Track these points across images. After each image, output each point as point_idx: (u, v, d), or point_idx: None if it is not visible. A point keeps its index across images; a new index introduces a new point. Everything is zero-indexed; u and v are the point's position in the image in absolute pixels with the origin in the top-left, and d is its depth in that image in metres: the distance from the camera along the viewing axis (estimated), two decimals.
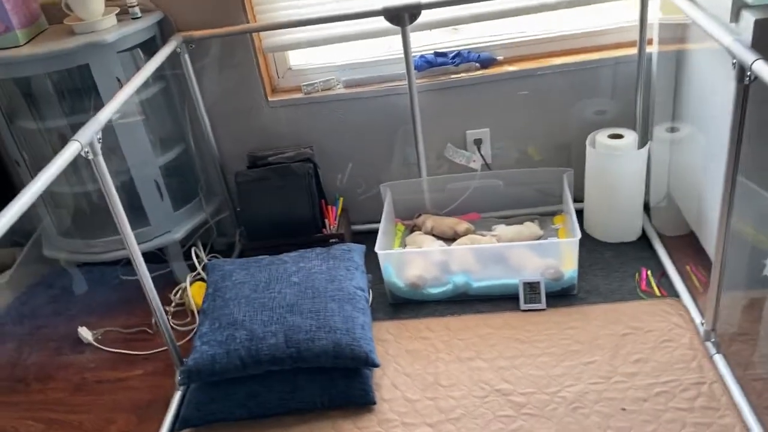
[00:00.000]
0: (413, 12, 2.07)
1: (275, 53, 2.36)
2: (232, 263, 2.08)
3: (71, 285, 2.55)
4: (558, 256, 2.04)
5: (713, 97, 1.87)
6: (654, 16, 2.09)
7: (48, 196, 2.33)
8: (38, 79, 2.13)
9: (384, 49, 2.36)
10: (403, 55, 2.16)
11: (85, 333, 2.23)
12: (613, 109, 2.29)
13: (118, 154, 2.16)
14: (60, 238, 2.35)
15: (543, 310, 2.01)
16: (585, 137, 2.25)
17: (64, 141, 2.11)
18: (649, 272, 2.09)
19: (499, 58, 2.29)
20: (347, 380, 1.77)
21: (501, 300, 2.07)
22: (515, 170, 2.35)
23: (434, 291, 2.11)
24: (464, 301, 2.09)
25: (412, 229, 2.39)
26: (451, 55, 2.27)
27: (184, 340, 2.15)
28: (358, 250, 2.12)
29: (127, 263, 2.49)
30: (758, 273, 1.72)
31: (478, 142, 2.36)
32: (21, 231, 2.54)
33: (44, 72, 2.07)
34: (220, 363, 1.74)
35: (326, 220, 2.35)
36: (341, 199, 2.45)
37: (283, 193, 2.28)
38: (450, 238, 2.30)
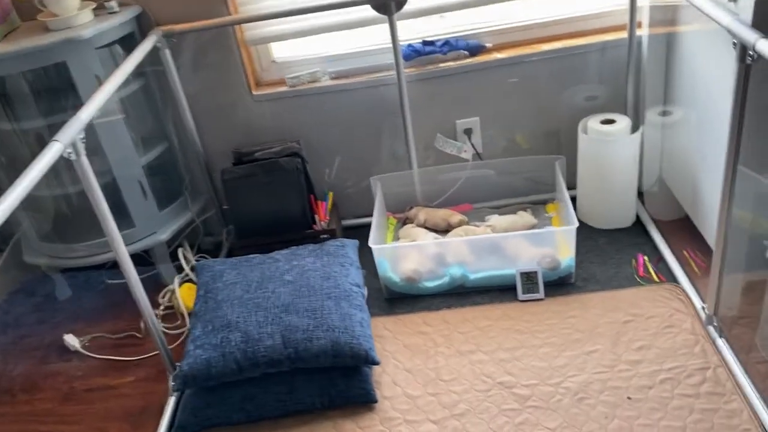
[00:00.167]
0: (400, 0, 2.03)
1: (258, 46, 2.30)
2: (222, 263, 2.02)
3: (54, 291, 2.47)
4: (554, 244, 2.01)
5: (707, 79, 1.85)
6: None
7: (27, 199, 2.24)
8: (13, 79, 2.04)
9: (371, 38, 2.31)
10: (390, 45, 2.11)
11: (72, 340, 2.16)
12: (603, 95, 2.26)
13: (99, 155, 2.09)
14: (41, 243, 2.27)
15: (541, 299, 1.98)
16: (576, 124, 2.23)
17: (41, 142, 2.04)
18: (645, 258, 2.07)
19: (488, 45, 2.25)
20: (347, 379, 1.73)
21: (498, 291, 2.04)
22: (507, 159, 2.32)
23: (430, 284, 2.07)
24: (461, 294, 2.06)
25: (404, 222, 2.35)
26: (440, 43, 2.23)
27: (176, 344, 2.09)
28: (351, 245, 2.07)
29: (112, 267, 2.44)
30: (758, 255, 1.71)
31: (468, 132, 2.32)
32: None
33: (19, 71, 1.99)
34: (216, 367, 1.69)
35: (316, 216, 2.30)
36: (331, 193, 2.40)
37: (271, 190, 2.23)
38: (443, 230, 2.27)
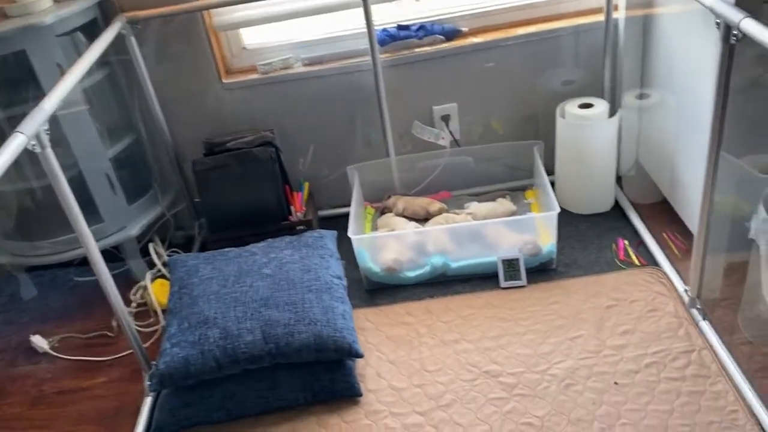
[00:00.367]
0: None
1: (228, 32, 2.22)
2: (196, 258, 1.96)
3: (19, 291, 2.37)
4: (535, 231, 1.99)
5: (685, 61, 1.84)
6: None
7: None
8: None
9: (344, 23, 2.25)
10: (364, 30, 2.06)
11: (39, 341, 2.07)
12: (580, 78, 2.25)
13: (64, 147, 2.00)
14: (3, 241, 2.17)
15: (523, 286, 1.96)
16: (553, 108, 2.21)
17: (1, 135, 1.94)
18: (626, 242, 2.07)
19: (464, 29, 2.21)
20: (330, 373, 1.68)
21: (480, 279, 2.02)
22: (485, 146, 2.29)
23: (411, 274, 2.03)
24: (443, 283, 2.03)
25: (383, 211, 2.31)
26: (415, 27, 2.18)
27: (150, 342, 2.02)
28: (330, 236, 2.02)
29: (79, 264, 2.34)
30: (739, 237, 1.71)
31: (445, 118, 2.28)
32: None
33: None
34: (194, 365, 1.63)
35: (292, 207, 2.24)
36: (306, 183, 2.35)
37: (245, 181, 2.16)
38: (423, 219, 2.23)
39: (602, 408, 1.56)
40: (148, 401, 1.78)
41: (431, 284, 2.03)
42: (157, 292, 2.15)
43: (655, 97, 2.08)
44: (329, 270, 1.86)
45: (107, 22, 2.03)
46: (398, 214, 2.26)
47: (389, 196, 2.31)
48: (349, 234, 1.97)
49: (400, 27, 2.19)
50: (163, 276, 2.25)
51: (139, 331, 2.03)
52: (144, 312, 2.15)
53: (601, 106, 2.11)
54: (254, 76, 2.22)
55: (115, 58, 2.12)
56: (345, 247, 2.08)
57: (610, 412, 1.55)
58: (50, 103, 1.48)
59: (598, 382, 1.62)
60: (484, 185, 2.34)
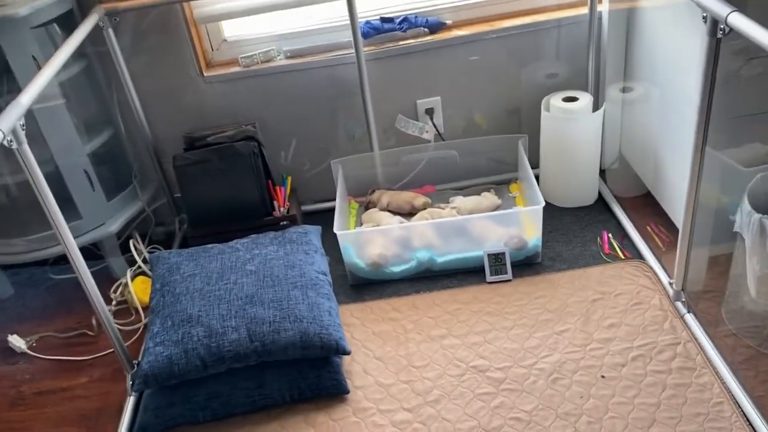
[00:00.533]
0: None
1: (208, 24, 2.18)
2: (178, 254, 1.92)
3: None
4: (520, 224, 1.99)
5: (669, 55, 1.84)
6: None
7: None
8: None
9: (326, 15, 2.22)
10: (347, 22, 2.03)
11: (17, 341, 2.02)
12: (564, 72, 2.24)
13: (40, 143, 1.94)
14: None
15: (509, 280, 1.96)
16: (537, 102, 2.21)
17: None
18: (610, 235, 2.07)
19: (448, 22, 2.20)
20: (317, 371, 1.66)
21: (466, 274, 2.01)
22: (469, 139, 2.28)
23: (397, 269, 2.02)
24: (428, 278, 2.02)
25: (367, 206, 2.29)
26: (398, 20, 2.16)
27: (131, 340, 1.98)
28: (314, 231, 2.00)
29: (56, 262, 2.30)
30: (722, 230, 1.72)
31: (430, 112, 2.27)
32: None
33: None
34: (179, 364, 1.60)
35: (275, 202, 2.21)
36: (289, 178, 2.32)
37: (226, 176, 2.12)
38: (407, 213, 2.22)
39: (590, 402, 1.56)
40: (131, 401, 1.74)
41: (417, 279, 2.02)
42: (138, 289, 2.11)
43: (638, 91, 2.09)
44: (314, 266, 1.84)
45: (84, 13, 1.98)
46: (383, 209, 2.24)
47: (373, 191, 2.30)
48: (335, 230, 1.95)
49: (384, 19, 2.17)
50: (143, 273, 2.21)
51: (120, 330, 2.00)
52: (124, 310, 2.11)
53: (585, 99, 2.11)
54: (235, 69, 2.18)
55: (92, 49, 2.07)
56: (329, 242, 2.06)
57: (598, 406, 1.55)
58: (27, 97, 1.43)
59: (585, 376, 1.63)
60: (468, 179, 2.33)
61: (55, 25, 1.95)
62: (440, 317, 1.87)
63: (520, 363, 1.69)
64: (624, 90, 2.18)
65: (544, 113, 2.14)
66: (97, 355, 1.95)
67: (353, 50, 2.08)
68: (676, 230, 1.95)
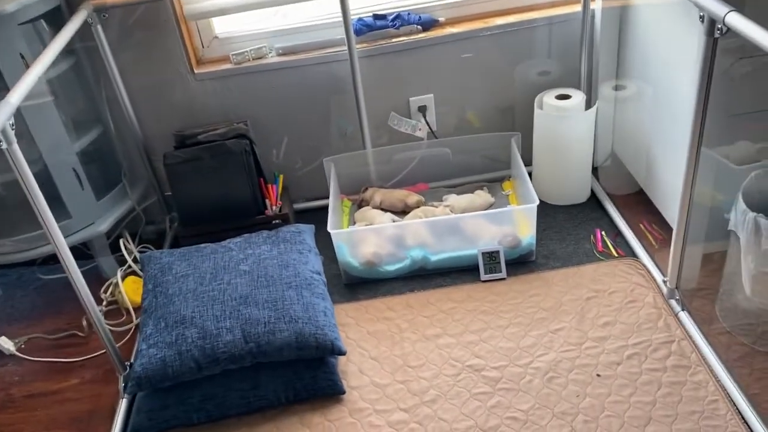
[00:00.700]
0: None
1: (198, 21, 2.15)
2: (170, 254, 1.90)
3: None
4: (514, 223, 1.99)
5: (662, 53, 1.85)
6: None
7: None
8: None
9: (318, 11, 2.20)
10: (340, 19, 2.01)
11: (5, 343, 1.99)
12: (557, 69, 2.24)
13: (27, 141, 1.91)
14: None
15: (503, 279, 1.96)
16: (530, 99, 2.20)
17: None
18: (603, 233, 2.08)
19: (441, 19, 2.18)
20: (312, 371, 1.65)
21: (460, 272, 2.00)
22: (462, 137, 2.27)
23: (391, 268, 2.01)
24: (422, 276, 2.01)
25: (360, 204, 2.28)
26: (391, 17, 2.15)
27: (123, 341, 1.96)
28: (308, 230, 1.98)
29: (44, 263, 2.26)
30: (716, 228, 1.73)
31: (422, 109, 2.26)
32: None
33: None
34: (173, 366, 1.58)
35: (267, 201, 2.19)
36: (281, 176, 2.30)
37: (218, 174, 2.10)
38: (401, 211, 2.21)
39: (586, 400, 1.57)
40: (123, 403, 1.72)
41: (411, 278, 2.02)
42: (129, 289, 2.08)
43: (631, 89, 2.09)
44: (308, 265, 1.83)
45: (72, 9, 1.95)
46: (375, 207, 2.23)
47: (366, 189, 2.28)
48: (329, 229, 1.94)
49: (376, 16, 2.15)
50: (134, 273, 2.18)
51: (111, 331, 1.97)
52: (115, 310, 2.09)
53: (578, 97, 2.11)
54: (226, 66, 2.16)
55: (80, 44, 2.04)
56: (322, 241, 2.05)
57: (594, 405, 1.55)
58: (16, 96, 1.41)
59: (581, 375, 1.63)
60: (461, 177, 2.33)
61: (42, 21, 1.91)
62: (435, 316, 1.86)
63: (515, 362, 1.69)
64: (616, 88, 2.18)
65: (537, 111, 2.13)
66: (88, 356, 1.93)
67: (346, 47, 2.06)
68: (669, 227, 1.96)
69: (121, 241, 2.22)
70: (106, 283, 2.15)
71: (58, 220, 1.54)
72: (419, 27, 2.15)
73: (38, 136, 1.91)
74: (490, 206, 2.19)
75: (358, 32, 2.12)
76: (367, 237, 1.99)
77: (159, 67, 2.13)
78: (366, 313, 1.91)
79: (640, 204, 2.13)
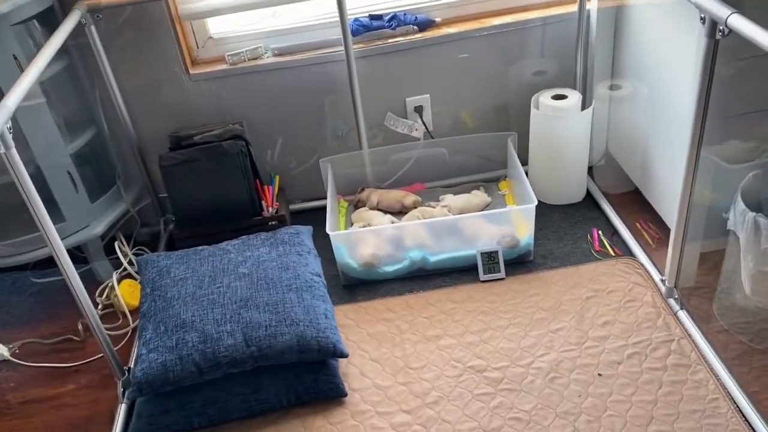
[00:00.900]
0: None
1: (193, 21, 2.13)
2: (167, 257, 1.88)
3: None
4: (512, 223, 1.99)
5: (658, 52, 1.86)
6: None
7: None
8: None
9: (314, 11, 2.18)
10: (336, 19, 2.01)
11: None
12: (552, 69, 2.25)
13: (21, 143, 1.88)
14: None
15: (502, 279, 1.96)
16: (525, 99, 2.21)
17: None
18: (600, 232, 2.09)
19: (437, 19, 2.18)
20: (314, 374, 1.65)
21: (459, 272, 2.01)
22: (459, 137, 2.27)
23: (390, 269, 2.01)
24: (421, 277, 2.01)
25: (356, 204, 2.27)
26: (387, 17, 2.14)
27: (119, 346, 1.94)
28: (306, 232, 1.98)
29: (36, 267, 2.24)
30: (713, 227, 1.74)
31: (419, 110, 2.25)
32: None
33: None
34: (173, 371, 1.57)
35: (263, 202, 2.18)
36: (277, 177, 2.28)
37: (214, 176, 2.08)
38: (398, 212, 2.20)
39: (588, 400, 1.57)
40: (122, 409, 1.70)
41: (410, 279, 2.01)
42: (125, 292, 2.06)
43: (626, 89, 2.10)
44: (308, 267, 1.82)
45: (65, 10, 1.92)
46: (372, 208, 2.22)
47: (362, 189, 2.28)
48: (328, 230, 1.93)
49: (373, 17, 2.15)
50: (129, 275, 2.16)
51: (108, 335, 1.95)
52: (110, 314, 2.06)
53: (574, 97, 2.12)
54: (222, 67, 2.14)
55: (74, 45, 2.01)
56: (319, 242, 2.04)
57: (596, 404, 1.56)
58: (13, 99, 1.38)
59: (582, 374, 1.64)
60: (457, 177, 2.33)
61: (35, 21, 1.88)
62: (435, 317, 1.86)
63: (517, 362, 1.69)
64: (612, 87, 2.19)
65: (533, 111, 2.14)
66: (85, 361, 1.91)
67: (342, 48, 2.05)
68: (665, 226, 1.98)
69: (116, 244, 2.20)
70: (101, 287, 2.13)
71: (52, 223, 1.52)
72: (415, 27, 2.15)
73: (32, 138, 1.88)
74: (487, 206, 2.19)
75: (354, 32, 2.11)
76: (365, 238, 1.99)
77: (153, 67, 2.11)
78: (365, 315, 1.90)
79: (635, 203, 2.15)
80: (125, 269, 2.17)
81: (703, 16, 1.38)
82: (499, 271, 1.96)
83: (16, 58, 1.79)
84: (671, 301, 1.78)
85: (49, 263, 2.17)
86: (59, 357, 1.93)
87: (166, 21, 2.04)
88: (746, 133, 1.72)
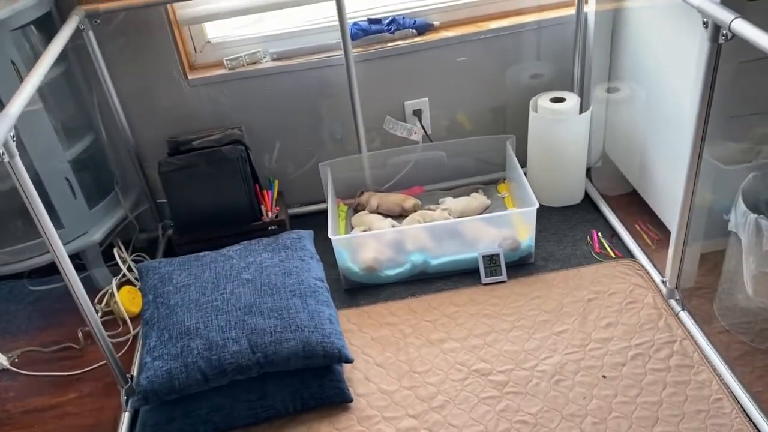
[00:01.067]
0: None
1: (191, 26, 2.12)
2: (169, 263, 1.87)
3: None
4: (513, 225, 2.00)
5: (656, 55, 1.87)
6: None
7: None
8: None
9: (312, 16, 2.18)
10: (335, 23, 2.01)
11: None
12: (550, 72, 2.26)
13: (19, 150, 1.84)
14: None
15: (504, 281, 1.97)
16: (522, 102, 2.22)
17: None
18: (599, 234, 2.10)
19: (435, 23, 2.19)
20: (319, 380, 1.64)
21: (460, 275, 2.01)
22: (457, 140, 2.28)
23: (391, 273, 2.01)
24: (423, 280, 2.01)
25: (356, 208, 2.27)
26: (386, 21, 2.14)
27: (120, 353, 1.92)
28: (308, 237, 1.97)
29: (31, 275, 2.21)
30: (714, 228, 1.76)
31: (418, 113, 2.26)
32: None
33: None
34: (179, 379, 1.56)
35: (263, 207, 2.17)
36: (276, 182, 2.28)
37: (214, 181, 2.07)
38: (397, 215, 2.20)
39: (593, 402, 1.58)
40: (126, 417, 1.69)
41: (411, 282, 2.02)
42: (125, 299, 2.05)
43: (624, 91, 2.12)
44: (311, 272, 1.82)
45: (62, 15, 1.91)
46: (372, 211, 2.22)
47: (362, 193, 2.28)
48: (330, 235, 1.93)
49: (372, 21, 2.15)
50: (128, 282, 2.15)
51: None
52: (110, 321, 2.04)
53: (572, 100, 2.13)
54: (220, 71, 2.13)
55: (71, 49, 1.99)
56: (319, 246, 2.03)
57: (602, 406, 1.57)
58: (15, 107, 1.37)
59: (586, 377, 1.65)
60: (456, 179, 2.34)
61: (32, 27, 1.87)
62: (438, 320, 1.87)
63: (521, 365, 1.70)
64: (609, 90, 2.21)
65: (532, 114, 2.15)
66: (86, 369, 1.89)
67: (341, 52, 2.05)
68: (664, 227, 2.00)
69: (114, 251, 2.18)
70: (100, 294, 2.11)
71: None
72: (414, 31, 2.15)
73: (30, 144, 1.87)
74: (487, 209, 2.20)
75: (353, 36, 2.11)
76: (366, 242, 1.99)
77: (151, 72, 2.10)
78: (368, 319, 1.90)
79: (633, 204, 2.16)
80: (124, 275, 2.16)
81: (705, 20, 1.39)
82: (501, 274, 1.97)
83: (14, 63, 1.77)
84: (672, 302, 1.80)
85: (45, 271, 2.16)
86: (60, 365, 1.92)
87: (165, 26, 2.03)
88: (744, 135, 1.74)
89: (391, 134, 2.28)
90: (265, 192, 2.20)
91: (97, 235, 2.08)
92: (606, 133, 2.30)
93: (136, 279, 2.14)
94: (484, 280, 1.97)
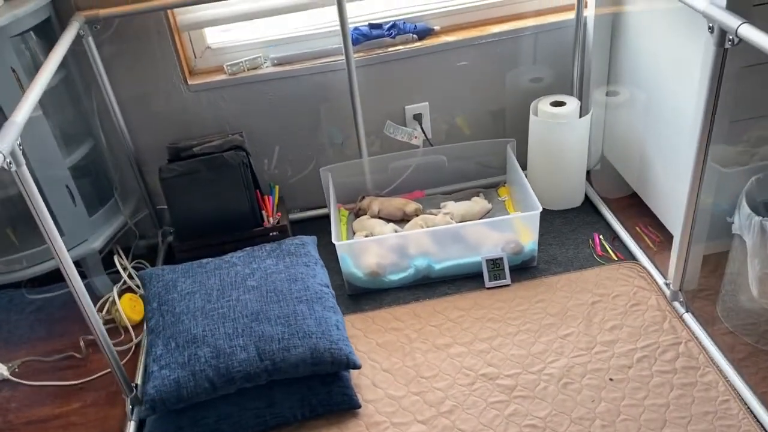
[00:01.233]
0: None
1: (191, 31, 2.11)
2: (172, 271, 1.86)
3: None
4: (515, 229, 2.00)
5: (656, 59, 1.88)
6: None
7: None
8: None
9: (313, 21, 2.18)
10: (336, 28, 2.01)
11: None
12: (549, 76, 2.27)
13: None
14: None
15: (508, 285, 1.97)
16: (522, 106, 2.23)
17: None
18: (601, 237, 2.11)
19: (436, 28, 2.19)
20: (327, 386, 1.64)
21: (464, 279, 2.01)
22: (458, 144, 2.28)
23: (395, 277, 2.01)
24: (426, 285, 2.01)
25: (357, 213, 2.27)
26: (387, 26, 2.14)
27: (123, 361, 1.90)
28: (311, 242, 1.97)
29: (29, 284, 2.19)
30: (716, 230, 1.77)
31: (418, 117, 2.26)
32: None
33: None
34: (187, 388, 1.54)
35: (264, 213, 2.16)
36: (277, 187, 2.27)
37: (215, 187, 2.06)
38: (399, 220, 2.20)
39: (601, 405, 1.59)
40: (131, 426, 1.68)
41: (415, 287, 2.02)
42: (126, 307, 2.03)
43: (623, 94, 2.13)
44: (316, 278, 1.81)
45: (62, 21, 1.89)
46: (373, 216, 2.22)
47: (363, 198, 2.27)
48: (333, 240, 1.92)
49: (372, 26, 2.15)
50: (129, 289, 2.13)
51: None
52: (112, 329, 2.02)
53: (572, 103, 2.14)
54: (220, 77, 2.12)
55: (71, 55, 1.97)
56: (321, 252, 2.02)
57: (610, 409, 1.58)
58: (21, 115, 1.35)
59: (593, 379, 1.65)
60: (457, 183, 2.34)
61: (32, 33, 1.85)
62: (443, 325, 1.87)
63: (528, 369, 1.70)
64: (608, 93, 2.22)
65: (532, 117, 2.16)
66: (89, 378, 1.87)
67: (342, 57, 2.05)
68: (665, 229, 2.01)
69: (115, 258, 2.17)
70: (101, 301, 2.09)
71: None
72: (415, 36, 2.15)
73: (30, 151, 1.83)
74: (488, 212, 2.20)
75: (354, 41, 2.11)
76: (369, 247, 1.98)
77: (151, 78, 2.08)
78: (373, 324, 1.90)
79: (633, 207, 2.18)
80: (125, 283, 2.14)
81: (711, 25, 1.40)
82: (505, 278, 1.97)
83: (14, 70, 1.75)
84: (676, 304, 1.81)
85: (43, 280, 2.14)
86: (62, 375, 1.89)
87: (165, 31, 2.01)
88: (746, 138, 1.76)
89: (392, 138, 2.28)
90: (266, 198, 2.19)
91: (98, 242, 2.06)
92: (605, 136, 2.31)
93: (137, 286, 2.12)
94: (487, 284, 1.97)
